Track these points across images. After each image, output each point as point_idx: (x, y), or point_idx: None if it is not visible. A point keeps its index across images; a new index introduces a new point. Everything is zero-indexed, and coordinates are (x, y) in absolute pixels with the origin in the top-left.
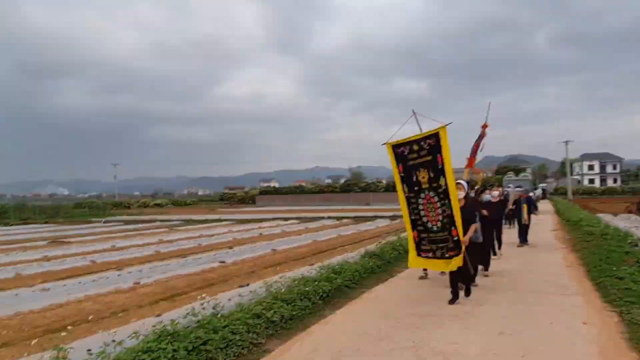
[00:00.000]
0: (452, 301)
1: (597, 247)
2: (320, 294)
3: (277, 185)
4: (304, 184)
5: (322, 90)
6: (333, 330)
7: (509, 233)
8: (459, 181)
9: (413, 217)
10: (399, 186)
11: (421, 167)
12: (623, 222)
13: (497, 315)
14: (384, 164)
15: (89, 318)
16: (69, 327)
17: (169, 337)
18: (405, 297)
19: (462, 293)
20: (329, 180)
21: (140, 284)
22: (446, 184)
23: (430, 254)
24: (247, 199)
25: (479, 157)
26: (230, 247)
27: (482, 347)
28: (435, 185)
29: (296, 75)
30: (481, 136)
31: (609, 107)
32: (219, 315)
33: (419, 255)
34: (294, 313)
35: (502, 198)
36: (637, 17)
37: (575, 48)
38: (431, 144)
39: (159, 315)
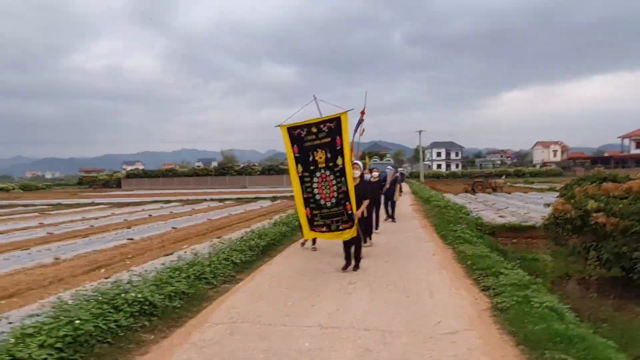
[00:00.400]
0: (345, 267)
1: (441, 215)
2: (261, 246)
3: (142, 167)
4: (172, 166)
5: (190, 70)
6: (277, 267)
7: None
8: (355, 161)
9: (306, 196)
10: (292, 166)
11: (319, 148)
12: (460, 199)
13: (380, 262)
14: (255, 148)
15: (32, 288)
16: (25, 293)
17: (176, 271)
18: (307, 255)
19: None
20: (199, 164)
21: (60, 259)
22: (343, 164)
23: (324, 229)
24: (112, 183)
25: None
26: (129, 227)
27: (369, 281)
28: (331, 164)
29: (161, 52)
30: (360, 121)
31: (453, 102)
32: (197, 261)
33: (312, 229)
34: (247, 259)
35: (379, 178)
36: (475, 22)
37: (426, 47)
38: (331, 127)
39: (128, 270)
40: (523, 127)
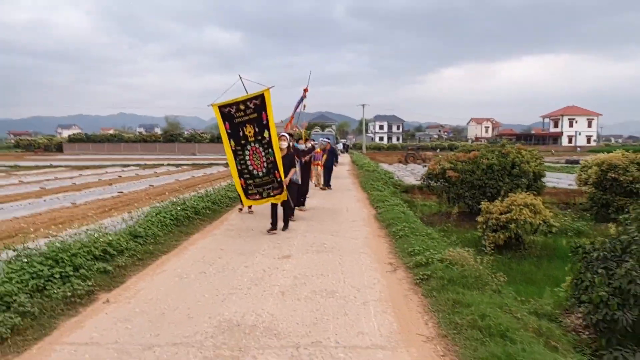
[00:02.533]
0: (271, 230)
1: (368, 177)
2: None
3: (79, 131)
4: (111, 131)
5: (125, 30)
6: (234, 218)
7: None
8: (282, 133)
9: (239, 167)
10: (225, 141)
11: (247, 124)
12: (392, 168)
13: (318, 196)
14: (198, 114)
15: (72, 220)
16: (60, 225)
17: (158, 210)
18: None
19: (281, 225)
20: (141, 129)
21: (77, 204)
22: (269, 136)
23: (257, 196)
24: (52, 147)
25: (290, 112)
26: (110, 184)
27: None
28: (260, 138)
29: (92, 9)
30: (302, 98)
31: (394, 76)
32: (178, 207)
33: (247, 197)
34: (211, 210)
35: (311, 148)
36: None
37: (368, 20)
38: (257, 103)
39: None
40: (461, 103)
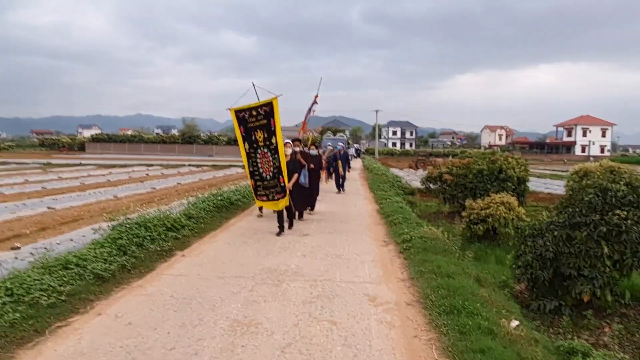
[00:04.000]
0: (279, 234)
1: (377, 180)
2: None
3: (99, 131)
4: (130, 131)
5: (144, 33)
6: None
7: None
8: (287, 140)
9: (251, 169)
10: (240, 144)
11: (258, 129)
12: (402, 173)
13: (331, 194)
14: (213, 116)
15: (118, 209)
16: (104, 214)
17: (202, 199)
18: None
19: (287, 225)
20: (158, 131)
21: (118, 197)
22: (276, 142)
23: (265, 198)
24: (75, 145)
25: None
26: (142, 181)
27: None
28: (268, 143)
29: (112, 12)
30: (313, 103)
31: (408, 82)
32: (219, 198)
33: (257, 198)
34: (242, 202)
35: (320, 153)
36: (430, 5)
37: (383, 25)
38: (266, 110)
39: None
40: (476, 110)
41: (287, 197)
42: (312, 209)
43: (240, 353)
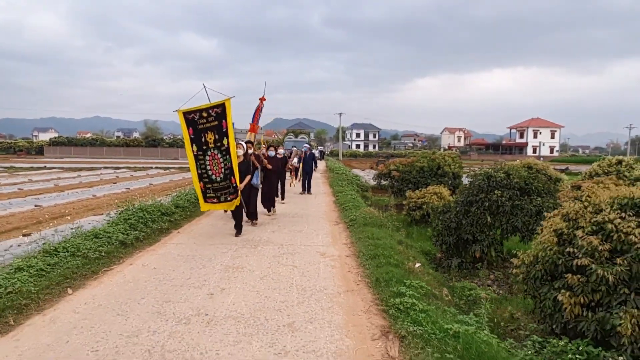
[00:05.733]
0: (237, 234)
1: (337, 178)
2: None
3: (56, 135)
4: (89, 135)
5: (100, 33)
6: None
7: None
8: (239, 141)
9: (200, 172)
10: (188, 146)
11: (209, 130)
12: (363, 173)
13: (292, 193)
14: (175, 119)
15: (99, 207)
16: (97, 209)
17: (181, 194)
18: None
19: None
20: (119, 134)
21: (97, 196)
22: (228, 144)
23: (215, 200)
24: (33, 149)
25: (270, 118)
26: (114, 183)
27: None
28: (219, 144)
29: (66, 11)
30: (259, 107)
31: (370, 85)
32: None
33: (205, 201)
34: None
35: (283, 155)
36: (388, 12)
37: (343, 30)
38: (218, 112)
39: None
40: (436, 112)
41: (239, 198)
42: (270, 210)
43: (233, 279)
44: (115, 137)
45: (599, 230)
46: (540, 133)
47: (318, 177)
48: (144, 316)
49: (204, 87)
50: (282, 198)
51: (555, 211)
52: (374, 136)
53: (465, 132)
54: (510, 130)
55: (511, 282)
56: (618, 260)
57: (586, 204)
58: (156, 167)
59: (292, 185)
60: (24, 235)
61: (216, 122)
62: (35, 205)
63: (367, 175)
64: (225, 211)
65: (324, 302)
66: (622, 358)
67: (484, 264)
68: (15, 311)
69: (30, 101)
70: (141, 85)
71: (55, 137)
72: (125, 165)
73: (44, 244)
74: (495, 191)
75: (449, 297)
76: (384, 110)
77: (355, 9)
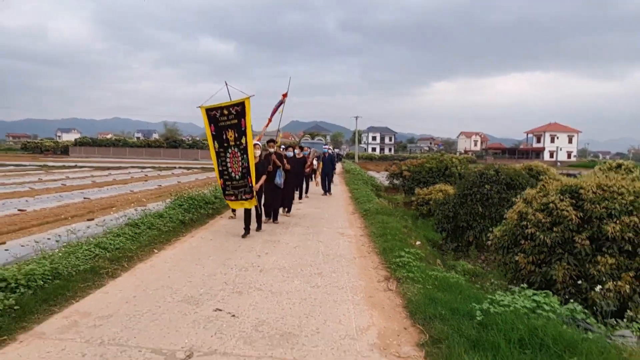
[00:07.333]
0: (244, 235)
1: (353, 178)
2: None
3: (78, 135)
4: (109, 135)
5: (120, 38)
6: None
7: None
8: (256, 142)
9: (220, 169)
10: (210, 143)
11: (229, 128)
12: (378, 175)
13: (315, 188)
14: (193, 121)
15: (138, 200)
16: (135, 202)
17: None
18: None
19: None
20: (139, 135)
21: (135, 191)
22: (246, 143)
23: (233, 197)
24: (58, 149)
25: (287, 121)
26: (145, 180)
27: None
28: (238, 143)
29: (88, 16)
30: (280, 102)
31: (385, 89)
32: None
33: (225, 197)
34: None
35: (302, 156)
36: (403, 16)
37: (357, 34)
38: (238, 110)
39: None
40: (453, 116)
41: (254, 199)
42: (289, 210)
43: (273, 248)
44: (135, 138)
45: (545, 209)
46: (558, 138)
47: (335, 177)
48: (214, 266)
49: (226, 84)
50: (300, 198)
51: (520, 197)
52: (390, 139)
53: (482, 136)
54: (527, 135)
55: (490, 253)
56: (555, 229)
57: (539, 190)
58: (179, 167)
59: (317, 185)
60: (88, 220)
61: (236, 121)
62: (85, 198)
63: (382, 177)
64: (232, 217)
65: (343, 262)
66: (556, 297)
67: (475, 247)
68: (126, 259)
69: (52, 103)
70: (159, 87)
71: (79, 138)
72: (150, 165)
73: (129, 219)
74: (486, 185)
75: (441, 266)
76: (400, 114)
77: (370, 14)
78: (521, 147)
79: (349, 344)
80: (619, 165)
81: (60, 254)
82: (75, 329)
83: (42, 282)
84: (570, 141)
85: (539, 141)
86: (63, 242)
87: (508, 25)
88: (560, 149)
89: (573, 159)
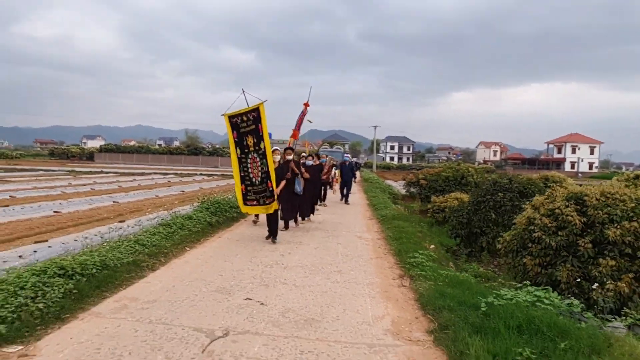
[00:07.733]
0: (268, 237)
1: (371, 189)
2: None
3: (103, 142)
4: (132, 142)
5: (145, 47)
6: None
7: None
8: (275, 147)
9: (242, 174)
10: (232, 149)
11: (249, 134)
12: (395, 184)
13: (334, 195)
14: (213, 129)
15: (164, 205)
16: (161, 206)
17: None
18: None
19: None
20: (160, 142)
21: (160, 196)
22: (264, 147)
23: (255, 202)
24: (84, 155)
25: (305, 129)
26: (169, 186)
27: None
28: (257, 148)
29: (115, 26)
30: (303, 113)
31: (404, 98)
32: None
33: (245, 204)
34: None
35: (319, 163)
36: (424, 26)
37: (378, 44)
38: (254, 116)
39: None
40: (472, 126)
41: (276, 202)
42: (308, 217)
43: (295, 249)
44: (157, 145)
45: (551, 214)
46: (579, 149)
47: (353, 186)
48: (242, 262)
49: (243, 91)
50: (316, 203)
51: (530, 204)
52: (408, 149)
53: (502, 146)
54: (548, 145)
55: (501, 257)
56: (560, 233)
57: (546, 197)
58: (200, 174)
59: (334, 192)
60: (120, 222)
61: (254, 126)
62: (114, 202)
63: (399, 186)
64: (255, 221)
65: (360, 262)
66: (560, 296)
67: (488, 252)
68: (163, 255)
69: (78, 110)
70: (182, 96)
71: (104, 144)
72: (172, 172)
73: (162, 219)
74: (499, 193)
75: (453, 268)
76: (419, 124)
77: (391, 24)
78: (542, 157)
79: (365, 329)
80: (637, 176)
81: (107, 248)
82: (126, 310)
83: (94, 271)
84: (592, 152)
85: (559, 152)
86: (106, 239)
87: (528, 37)
88: (582, 160)
89: (595, 170)
